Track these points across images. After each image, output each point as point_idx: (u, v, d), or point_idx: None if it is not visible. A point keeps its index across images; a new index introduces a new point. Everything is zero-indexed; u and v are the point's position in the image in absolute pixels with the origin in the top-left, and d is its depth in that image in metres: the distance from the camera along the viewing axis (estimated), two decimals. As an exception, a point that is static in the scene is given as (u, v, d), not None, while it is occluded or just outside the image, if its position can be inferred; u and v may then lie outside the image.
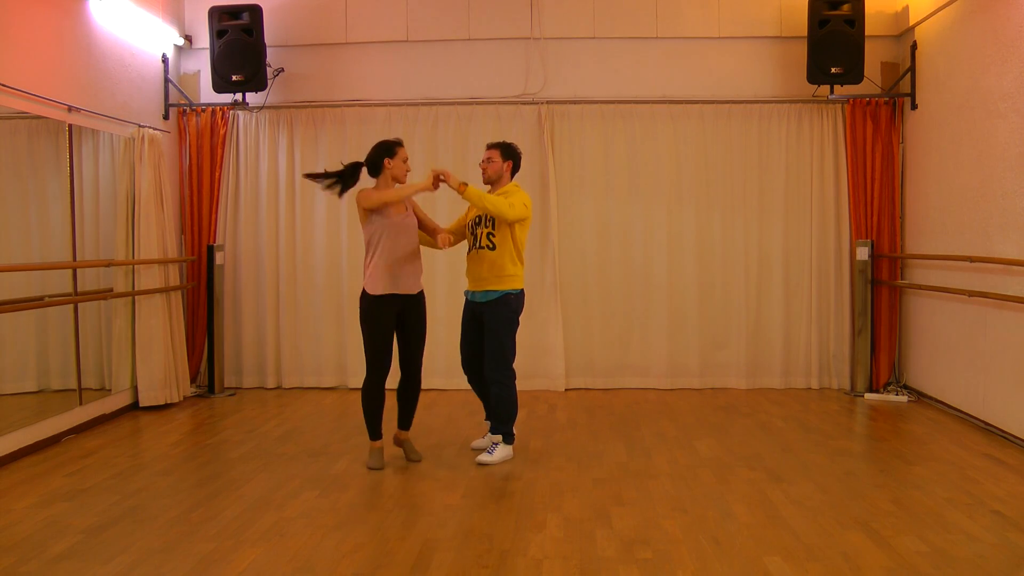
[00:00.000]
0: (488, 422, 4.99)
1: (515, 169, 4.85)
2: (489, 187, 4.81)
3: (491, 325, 4.65)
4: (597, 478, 4.42)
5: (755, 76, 6.87)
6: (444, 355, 6.82)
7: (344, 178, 4.62)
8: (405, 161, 4.62)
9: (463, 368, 4.92)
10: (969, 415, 5.61)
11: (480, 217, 4.71)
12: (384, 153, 4.58)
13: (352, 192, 4.67)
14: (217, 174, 6.89)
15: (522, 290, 4.75)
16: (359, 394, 4.69)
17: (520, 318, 4.79)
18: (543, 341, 6.81)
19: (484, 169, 4.80)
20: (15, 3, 4.94)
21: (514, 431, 4.81)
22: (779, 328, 6.85)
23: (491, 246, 4.64)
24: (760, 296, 6.88)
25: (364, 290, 4.54)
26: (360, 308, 4.57)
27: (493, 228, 4.65)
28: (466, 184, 4.52)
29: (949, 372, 5.93)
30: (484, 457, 4.68)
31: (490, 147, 4.83)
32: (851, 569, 3.21)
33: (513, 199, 4.62)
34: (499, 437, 4.78)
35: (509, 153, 4.80)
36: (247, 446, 5.13)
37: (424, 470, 4.60)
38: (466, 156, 6.87)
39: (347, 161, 4.76)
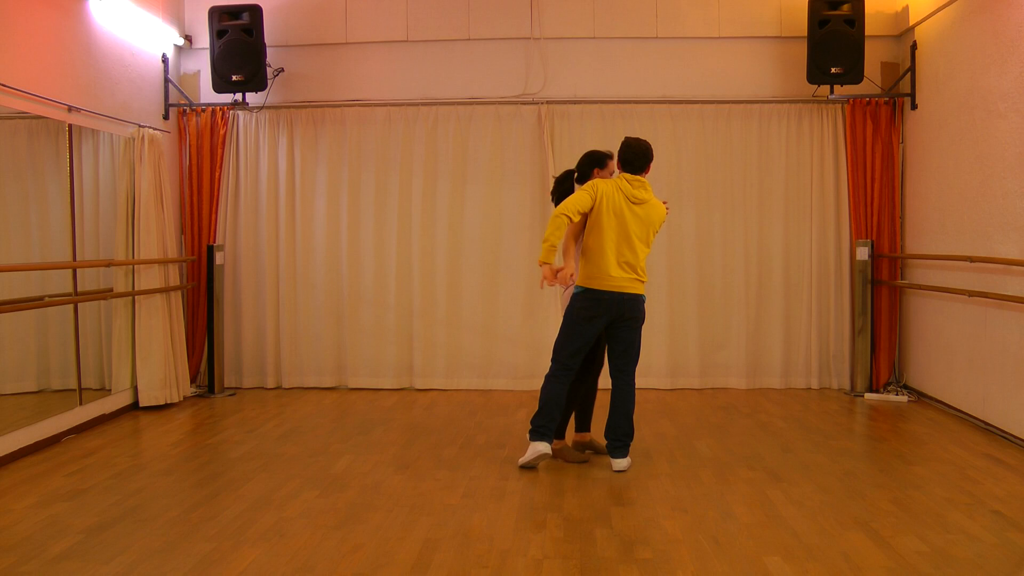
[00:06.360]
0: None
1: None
2: None
3: None
4: (597, 478, 4.42)
5: (755, 76, 6.87)
6: (444, 355, 6.85)
7: (562, 188, 4.81)
8: (612, 173, 4.71)
9: None
10: (969, 415, 5.61)
11: None
12: (595, 163, 4.68)
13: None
14: (217, 174, 6.89)
15: (585, 289, 4.48)
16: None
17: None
18: (543, 341, 6.79)
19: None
20: (15, 3, 4.94)
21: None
22: (779, 328, 6.84)
23: None
24: (760, 296, 6.87)
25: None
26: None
27: None
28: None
29: (949, 372, 5.93)
30: (621, 464, 4.52)
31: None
32: (851, 569, 3.21)
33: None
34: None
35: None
36: (247, 446, 5.13)
37: (424, 470, 4.60)
38: (466, 156, 6.88)
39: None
